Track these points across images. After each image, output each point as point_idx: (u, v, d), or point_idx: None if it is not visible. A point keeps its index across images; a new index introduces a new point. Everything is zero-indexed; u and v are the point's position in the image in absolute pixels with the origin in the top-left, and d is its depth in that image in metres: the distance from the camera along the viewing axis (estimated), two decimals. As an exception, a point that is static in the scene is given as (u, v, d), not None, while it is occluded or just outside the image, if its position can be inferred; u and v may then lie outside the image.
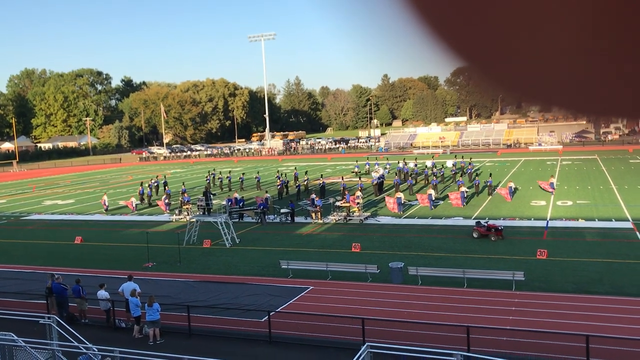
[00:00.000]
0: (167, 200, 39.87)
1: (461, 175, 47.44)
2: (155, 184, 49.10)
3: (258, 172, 56.72)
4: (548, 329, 15.33)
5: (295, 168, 57.13)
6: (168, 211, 38.57)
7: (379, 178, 44.37)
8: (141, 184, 45.93)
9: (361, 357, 11.92)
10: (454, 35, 0.81)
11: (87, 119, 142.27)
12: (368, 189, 43.70)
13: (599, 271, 20.86)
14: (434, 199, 36.58)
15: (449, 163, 51.93)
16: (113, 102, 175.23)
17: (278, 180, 45.20)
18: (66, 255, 28.25)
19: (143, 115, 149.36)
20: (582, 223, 29.56)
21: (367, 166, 57.16)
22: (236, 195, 38.26)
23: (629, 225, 28.49)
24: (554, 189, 38.91)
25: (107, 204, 41.99)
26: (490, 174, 42.89)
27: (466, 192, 37.41)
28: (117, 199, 46.92)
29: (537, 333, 15.05)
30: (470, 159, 53.88)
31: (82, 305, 18.74)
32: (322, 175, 49.36)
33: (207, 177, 55.96)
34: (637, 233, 26.63)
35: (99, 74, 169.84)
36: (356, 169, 55.97)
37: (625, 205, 33.64)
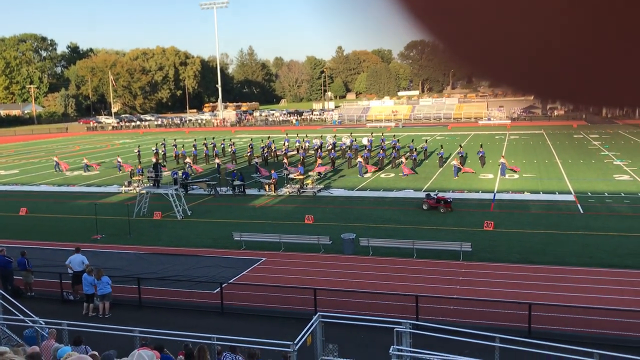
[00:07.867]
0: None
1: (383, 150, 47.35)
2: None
3: (205, 139, 55.90)
4: (493, 297, 15.89)
5: (268, 138, 56.63)
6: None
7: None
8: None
9: (313, 327, 12.08)
10: (414, 5, 0.81)
11: (31, 86, 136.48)
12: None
13: (543, 242, 21.67)
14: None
15: (364, 140, 52.77)
16: (59, 70, 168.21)
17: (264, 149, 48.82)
18: (10, 227, 27.40)
19: (90, 83, 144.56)
20: (527, 196, 30.51)
21: (287, 142, 54.32)
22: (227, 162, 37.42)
23: (571, 197, 29.56)
24: (504, 174, 36.14)
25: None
26: (442, 146, 44.88)
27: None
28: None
29: (482, 302, 15.57)
30: (394, 135, 57.28)
31: (28, 278, 18.31)
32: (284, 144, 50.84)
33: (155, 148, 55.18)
34: (579, 205, 27.70)
35: (44, 39, 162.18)
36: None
37: (568, 179, 34.87)
